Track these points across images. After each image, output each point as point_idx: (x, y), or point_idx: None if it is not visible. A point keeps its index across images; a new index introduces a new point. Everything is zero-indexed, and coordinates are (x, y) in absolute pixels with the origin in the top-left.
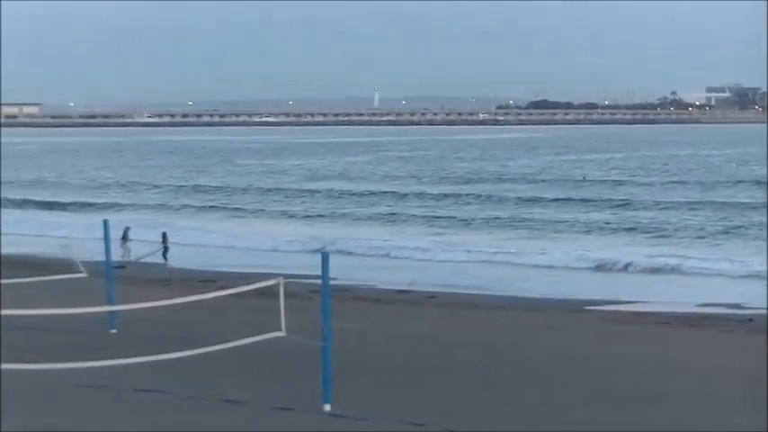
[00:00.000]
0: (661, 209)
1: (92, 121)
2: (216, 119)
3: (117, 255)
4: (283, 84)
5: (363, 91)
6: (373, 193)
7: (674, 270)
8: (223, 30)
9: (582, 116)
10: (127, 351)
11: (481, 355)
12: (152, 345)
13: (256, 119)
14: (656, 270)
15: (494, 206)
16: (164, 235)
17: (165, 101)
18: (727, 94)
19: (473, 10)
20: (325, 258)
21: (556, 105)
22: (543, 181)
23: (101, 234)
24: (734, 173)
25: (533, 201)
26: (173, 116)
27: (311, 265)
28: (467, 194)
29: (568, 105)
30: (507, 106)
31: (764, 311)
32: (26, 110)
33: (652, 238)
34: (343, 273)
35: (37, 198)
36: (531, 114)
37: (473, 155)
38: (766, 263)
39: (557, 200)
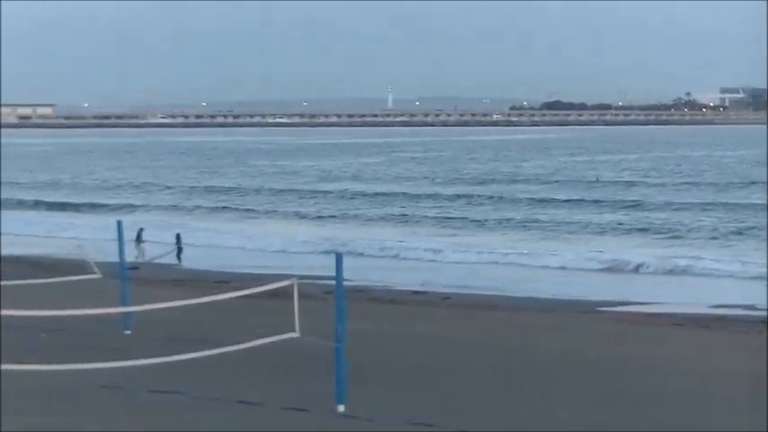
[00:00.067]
0: (674, 210)
1: (105, 121)
2: (229, 120)
3: (131, 256)
4: (283, 84)
5: (377, 92)
6: (386, 194)
7: (686, 271)
8: (223, 30)
9: (595, 117)
10: (141, 352)
11: (495, 355)
12: (166, 346)
13: (270, 120)
14: (669, 271)
15: (507, 207)
16: (177, 236)
17: (170, 102)
18: (741, 96)
19: (473, 10)
20: (339, 259)
21: (569, 106)
22: (556, 182)
23: (114, 235)
24: (747, 174)
25: (546, 202)
26: (186, 117)
27: (325, 266)
28: (480, 195)
29: (582, 106)
30: (521, 107)
31: None
32: (40, 110)
33: (665, 239)
34: (357, 273)
35: (50, 199)
36: (544, 115)
37: (486, 156)
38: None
39: (570, 201)
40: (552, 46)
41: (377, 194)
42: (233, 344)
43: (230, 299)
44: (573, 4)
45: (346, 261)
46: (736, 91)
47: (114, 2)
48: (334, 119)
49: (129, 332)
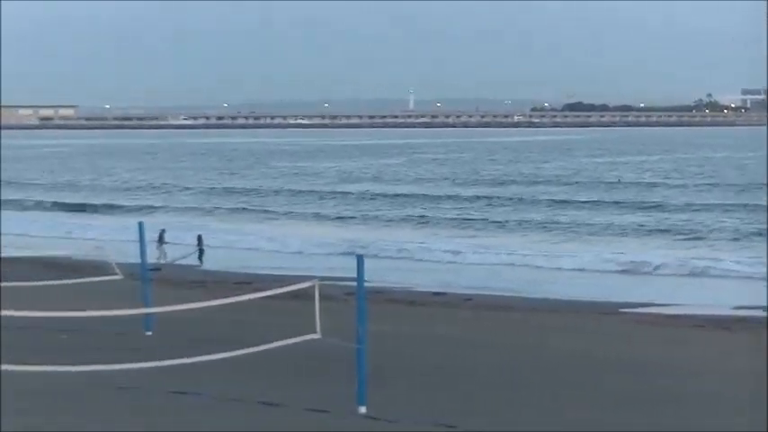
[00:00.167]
0: (695, 211)
1: (127, 123)
2: (251, 121)
3: (153, 257)
4: (284, 84)
5: (398, 93)
6: (407, 196)
7: (707, 272)
8: (223, 30)
9: (617, 118)
10: (162, 353)
11: (516, 357)
12: (187, 347)
13: (291, 121)
14: (690, 272)
15: (527, 208)
16: (199, 237)
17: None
18: (762, 97)
19: (473, 10)
20: (360, 261)
21: (591, 107)
22: (577, 183)
23: (135, 236)
24: None
25: (567, 203)
26: (207, 118)
27: (345, 268)
28: (500, 197)
29: (603, 107)
30: (542, 108)
31: None
32: (62, 112)
33: (686, 240)
34: (377, 275)
35: (71, 200)
36: (565, 116)
37: (507, 157)
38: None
39: (590, 202)
40: (561, 47)
41: (397, 196)
42: (254, 345)
43: (251, 300)
44: (577, 5)
45: (366, 262)
46: (758, 92)
47: (114, 2)
48: (356, 120)
49: (150, 333)
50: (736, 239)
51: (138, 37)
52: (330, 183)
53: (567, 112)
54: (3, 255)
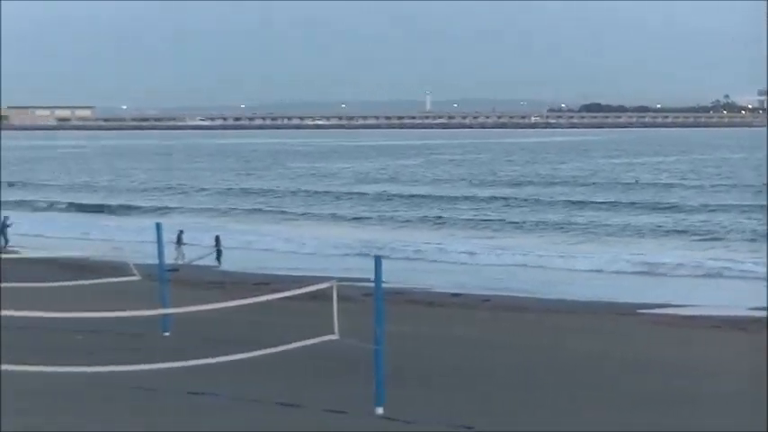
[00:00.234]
0: (712, 212)
1: (144, 124)
2: (267, 122)
3: (170, 258)
4: (284, 84)
5: (416, 94)
6: (423, 197)
7: (724, 273)
8: (223, 30)
9: (634, 119)
10: (180, 354)
11: (533, 358)
12: (205, 347)
13: (308, 122)
14: (706, 273)
15: (544, 209)
16: (217, 238)
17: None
18: None
19: (473, 9)
20: (378, 262)
21: (608, 108)
22: (594, 184)
23: (152, 237)
24: None
25: (584, 204)
26: (225, 119)
27: (362, 268)
28: (517, 198)
29: (621, 108)
30: (559, 109)
31: None
32: (79, 113)
33: (703, 241)
34: (394, 276)
35: (89, 201)
36: (582, 117)
37: (524, 158)
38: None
39: (607, 203)
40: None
41: (414, 196)
42: (272, 345)
43: (269, 300)
44: (583, 5)
45: (384, 263)
46: None
47: (114, 2)
48: (373, 121)
49: (167, 334)
50: (752, 240)
51: (138, 37)
52: (347, 183)
53: (583, 113)
54: (21, 256)
